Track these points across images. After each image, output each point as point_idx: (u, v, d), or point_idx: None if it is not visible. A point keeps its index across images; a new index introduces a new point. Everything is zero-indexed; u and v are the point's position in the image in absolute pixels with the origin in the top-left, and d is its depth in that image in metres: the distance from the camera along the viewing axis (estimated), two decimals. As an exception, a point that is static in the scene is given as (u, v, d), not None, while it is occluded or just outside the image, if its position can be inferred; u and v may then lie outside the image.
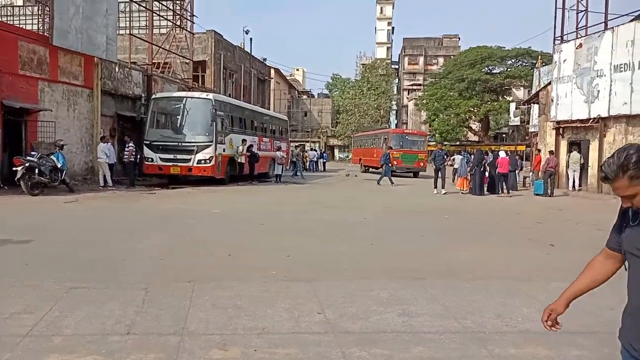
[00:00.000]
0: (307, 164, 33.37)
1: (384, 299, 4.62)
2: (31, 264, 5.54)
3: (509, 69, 48.37)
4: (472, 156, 18.68)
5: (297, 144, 38.10)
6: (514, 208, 13.52)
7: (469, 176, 17.59)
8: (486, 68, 48.98)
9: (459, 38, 78.89)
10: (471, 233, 8.96)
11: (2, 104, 13.83)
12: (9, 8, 30.27)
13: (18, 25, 19.88)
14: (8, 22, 20.36)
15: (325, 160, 38.60)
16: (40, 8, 24.80)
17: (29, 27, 21.09)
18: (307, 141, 53.13)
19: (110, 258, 5.93)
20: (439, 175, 17.42)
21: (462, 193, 17.50)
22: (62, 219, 9.29)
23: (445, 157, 18.30)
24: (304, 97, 67.70)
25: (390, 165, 21.78)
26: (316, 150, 39.21)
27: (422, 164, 29.86)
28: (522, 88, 50.61)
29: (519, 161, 22.68)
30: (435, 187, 17.43)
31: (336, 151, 64.21)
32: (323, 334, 3.79)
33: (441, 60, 71.19)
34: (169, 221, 9.26)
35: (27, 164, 12.40)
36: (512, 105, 40.57)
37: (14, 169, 12.57)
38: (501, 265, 6.33)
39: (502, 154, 18.19)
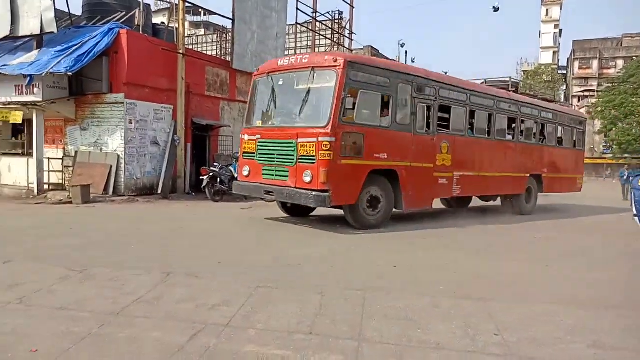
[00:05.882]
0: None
1: (569, 327, 4.24)
2: (223, 263, 6.28)
3: None
4: None
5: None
6: None
7: None
8: (681, 68, 42.11)
9: (644, 36, 69.15)
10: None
11: (192, 121, 15.98)
12: (193, 37, 34.89)
13: (200, 51, 22.85)
14: (193, 49, 23.45)
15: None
16: (218, 36, 28.17)
17: (208, 53, 24.04)
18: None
19: (287, 262, 6.44)
20: None
21: None
22: (241, 225, 10.33)
23: None
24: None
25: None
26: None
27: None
28: None
29: None
30: None
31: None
32: (502, 356, 3.62)
33: (620, 62, 63.11)
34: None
35: (211, 174, 14.13)
36: None
37: (200, 177, 14.46)
38: None
39: None
